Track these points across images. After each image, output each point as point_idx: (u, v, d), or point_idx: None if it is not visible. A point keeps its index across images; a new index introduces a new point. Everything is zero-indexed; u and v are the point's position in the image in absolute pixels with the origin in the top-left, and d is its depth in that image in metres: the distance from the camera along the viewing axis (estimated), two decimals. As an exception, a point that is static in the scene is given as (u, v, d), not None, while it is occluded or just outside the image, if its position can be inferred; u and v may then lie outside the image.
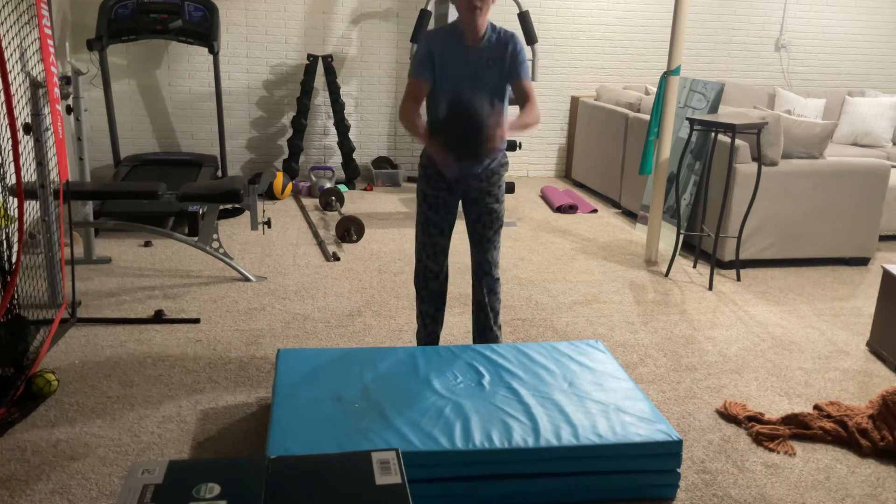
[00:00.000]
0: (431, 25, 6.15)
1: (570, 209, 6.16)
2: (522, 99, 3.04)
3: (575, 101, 7.31)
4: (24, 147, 3.45)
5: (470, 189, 3.10)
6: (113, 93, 6.12)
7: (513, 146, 5.74)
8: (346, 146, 6.65)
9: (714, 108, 5.04)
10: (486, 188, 3.10)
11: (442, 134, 2.84)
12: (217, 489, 1.72)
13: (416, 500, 1.74)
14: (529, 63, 3.08)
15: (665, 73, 4.69)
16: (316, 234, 5.24)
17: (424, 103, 3.05)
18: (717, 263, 4.81)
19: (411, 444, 2.36)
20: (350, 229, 5.13)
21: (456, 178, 3.06)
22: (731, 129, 4.34)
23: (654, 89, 6.49)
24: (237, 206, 4.81)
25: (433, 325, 3.29)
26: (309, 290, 4.23)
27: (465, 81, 2.97)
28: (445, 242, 3.19)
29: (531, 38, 5.96)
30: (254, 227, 4.37)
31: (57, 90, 3.55)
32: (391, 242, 5.16)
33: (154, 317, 3.77)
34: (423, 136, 2.91)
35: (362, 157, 7.11)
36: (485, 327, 3.27)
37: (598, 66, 7.41)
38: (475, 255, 3.22)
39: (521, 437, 2.42)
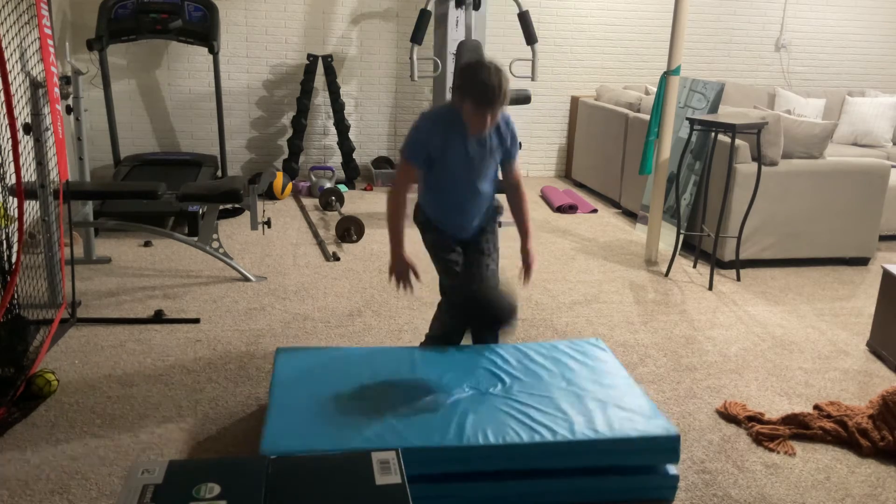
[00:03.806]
0: (431, 26, 6.15)
1: (570, 209, 6.16)
2: (510, 181, 3.02)
3: (575, 101, 7.31)
4: (24, 147, 3.45)
5: (473, 231, 3.08)
6: (113, 93, 6.12)
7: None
8: (346, 146, 6.65)
9: (714, 108, 5.04)
10: (487, 227, 3.09)
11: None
12: (217, 489, 1.72)
13: (413, 500, 1.74)
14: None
15: (665, 73, 4.69)
16: (316, 234, 5.24)
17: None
18: (717, 263, 4.81)
19: (407, 441, 2.36)
20: (350, 229, 5.13)
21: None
22: (731, 129, 4.34)
23: (654, 89, 6.49)
24: (237, 206, 4.81)
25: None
26: (309, 290, 4.23)
27: (463, 173, 2.91)
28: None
29: (531, 38, 5.95)
30: (254, 227, 4.37)
31: (57, 90, 3.55)
32: (391, 242, 5.15)
33: (154, 317, 3.77)
34: (396, 248, 2.85)
35: (362, 157, 7.11)
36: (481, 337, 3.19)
37: (598, 66, 7.41)
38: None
39: (517, 433, 2.42)
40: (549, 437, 2.40)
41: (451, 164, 2.88)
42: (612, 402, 2.64)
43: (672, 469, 2.51)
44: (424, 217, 3.06)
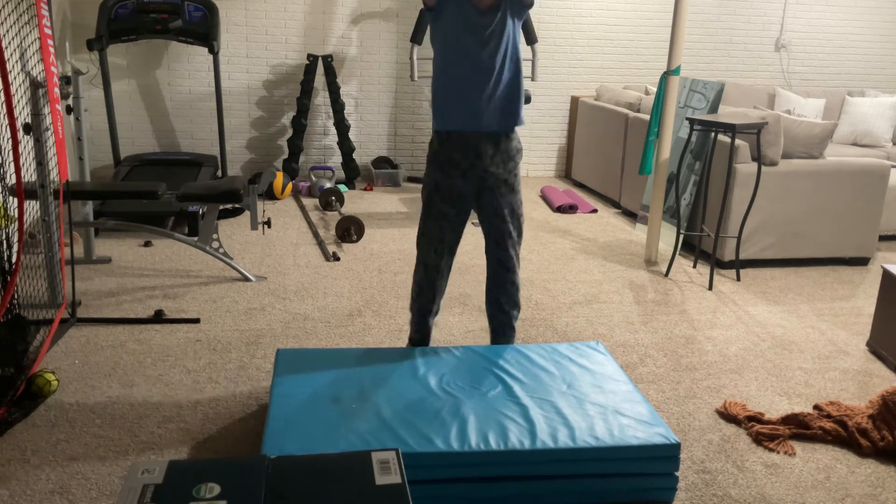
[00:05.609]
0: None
1: (570, 209, 6.16)
2: None
3: (575, 101, 7.31)
4: (24, 147, 3.45)
5: (486, 176, 2.90)
6: (113, 93, 6.12)
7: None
8: (346, 146, 6.65)
9: (714, 108, 5.04)
10: (503, 176, 2.91)
11: None
12: (217, 489, 1.72)
13: (413, 500, 1.74)
14: None
15: (665, 73, 4.69)
16: (316, 234, 5.24)
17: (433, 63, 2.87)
18: (717, 263, 4.81)
19: (407, 445, 2.35)
20: (350, 229, 5.13)
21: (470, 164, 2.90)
22: (731, 129, 4.34)
23: (654, 89, 6.49)
24: (237, 206, 4.81)
25: (431, 316, 3.18)
26: (309, 290, 4.23)
27: (464, 50, 2.78)
28: (456, 238, 3.00)
29: (531, 38, 5.96)
30: (254, 227, 4.37)
31: (57, 90, 3.55)
32: (391, 242, 5.16)
33: (154, 317, 3.77)
34: None
35: (362, 157, 7.11)
36: (505, 325, 3.16)
37: (598, 66, 7.41)
38: (494, 253, 3.01)
39: (517, 438, 2.42)
40: (550, 443, 2.40)
41: (452, 39, 2.78)
42: (613, 408, 2.63)
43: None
44: (434, 146, 2.93)
